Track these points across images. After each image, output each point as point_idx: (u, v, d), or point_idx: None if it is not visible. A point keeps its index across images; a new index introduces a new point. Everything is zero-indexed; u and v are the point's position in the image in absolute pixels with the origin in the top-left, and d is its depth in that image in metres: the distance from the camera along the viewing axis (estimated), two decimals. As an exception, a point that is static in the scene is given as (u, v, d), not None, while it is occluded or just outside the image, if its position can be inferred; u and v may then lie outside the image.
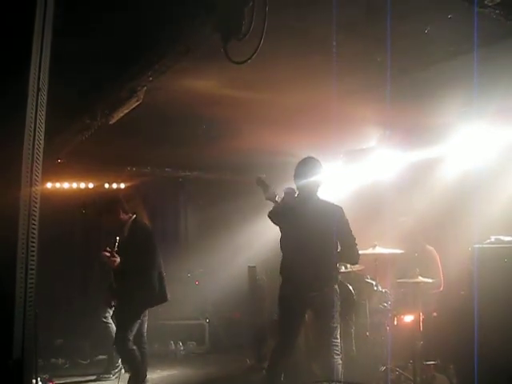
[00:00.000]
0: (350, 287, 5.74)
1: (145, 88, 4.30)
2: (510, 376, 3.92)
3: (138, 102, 4.50)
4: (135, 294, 4.94)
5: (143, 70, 3.94)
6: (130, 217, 5.33)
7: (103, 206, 5.49)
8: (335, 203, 4.52)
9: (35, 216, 1.89)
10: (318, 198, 4.52)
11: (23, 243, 1.78)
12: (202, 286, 8.04)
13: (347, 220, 4.49)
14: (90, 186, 8.05)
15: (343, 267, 6.05)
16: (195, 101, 5.11)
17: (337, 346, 4.31)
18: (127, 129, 5.48)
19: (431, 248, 6.13)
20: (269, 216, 4.52)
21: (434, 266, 5.96)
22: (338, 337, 4.34)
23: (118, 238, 5.04)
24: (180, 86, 4.68)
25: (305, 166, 4.48)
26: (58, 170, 7.24)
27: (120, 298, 5.17)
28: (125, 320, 5.03)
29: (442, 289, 5.89)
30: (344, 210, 4.51)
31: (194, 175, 8.64)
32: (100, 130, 5.17)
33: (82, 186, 7.98)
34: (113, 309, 6.00)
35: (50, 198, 6.71)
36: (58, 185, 7.77)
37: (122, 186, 8.29)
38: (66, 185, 7.85)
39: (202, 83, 4.66)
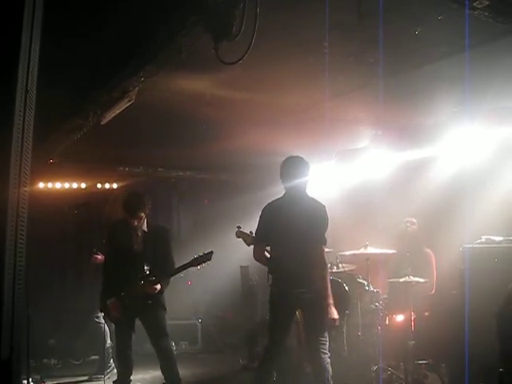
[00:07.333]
0: (345, 285, 5.76)
1: (137, 88, 4.29)
2: (501, 374, 3.94)
3: (130, 103, 4.49)
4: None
5: (135, 71, 3.93)
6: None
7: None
8: (319, 201, 4.51)
9: (23, 217, 1.88)
10: (308, 197, 4.52)
11: (11, 243, 1.78)
12: (195, 286, 8.04)
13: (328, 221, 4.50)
14: (83, 186, 8.03)
15: (335, 267, 6.09)
16: (188, 101, 5.10)
17: (324, 344, 4.28)
18: (119, 129, 5.47)
19: (429, 251, 6.07)
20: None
21: (429, 269, 5.91)
22: (326, 335, 4.33)
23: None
24: (172, 87, 4.67)
25: (294, 166, 4.45)
26: (50, 171, 7.23)
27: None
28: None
29: (433, 292, 5.88)
30: (328, 210, 4.51)
31: (186, 175, 8.63)
32: (92, 130, 5.17)
33: (75, 186, 7.95)
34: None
35: (42, 199, 6.70)
36: (50, 185, 7.74)
37: (115, 186, 8.27)
38: (58, 185, 7.82)
39: (195, 84, 4.66)
